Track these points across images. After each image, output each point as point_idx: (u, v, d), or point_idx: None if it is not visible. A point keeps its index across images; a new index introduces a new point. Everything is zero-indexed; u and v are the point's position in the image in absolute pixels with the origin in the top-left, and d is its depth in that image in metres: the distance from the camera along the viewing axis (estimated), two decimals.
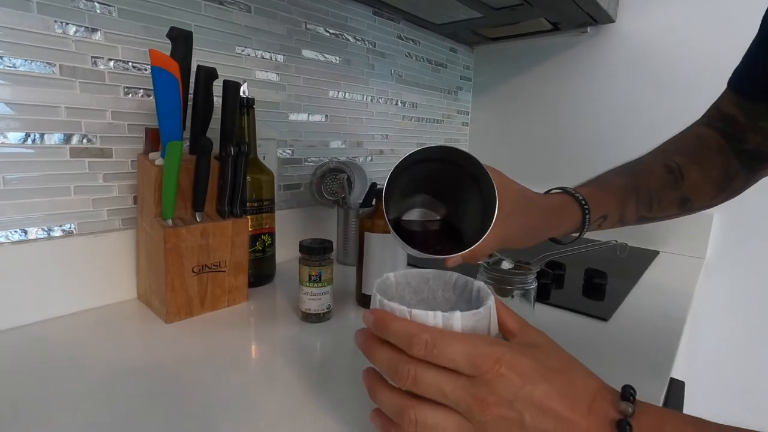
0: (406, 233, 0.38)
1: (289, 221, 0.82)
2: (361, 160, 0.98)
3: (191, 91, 0.56)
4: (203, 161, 0.53)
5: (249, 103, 0.65)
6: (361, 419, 0.37)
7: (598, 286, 0.74)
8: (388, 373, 0.28)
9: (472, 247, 0.34)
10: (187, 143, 0.58)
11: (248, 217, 0.66)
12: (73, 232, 0.57)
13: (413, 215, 0.41)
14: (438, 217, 0.42)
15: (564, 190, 0.47)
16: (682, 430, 0.24)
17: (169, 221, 0.53)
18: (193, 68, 0.56)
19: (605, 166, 0.53)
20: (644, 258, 0.93)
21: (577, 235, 0.48)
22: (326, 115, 0.88)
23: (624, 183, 0.48)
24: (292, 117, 0.82)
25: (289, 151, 0.83)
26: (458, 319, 0.27)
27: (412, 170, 0.36)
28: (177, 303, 0.55)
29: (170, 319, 0.54)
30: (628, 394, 0.25)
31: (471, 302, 0.34)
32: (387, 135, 1.04)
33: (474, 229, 0.37)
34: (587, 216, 0.45)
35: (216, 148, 0.57)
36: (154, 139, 0.55)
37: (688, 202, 0.50)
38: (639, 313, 0.64)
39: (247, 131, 0.66)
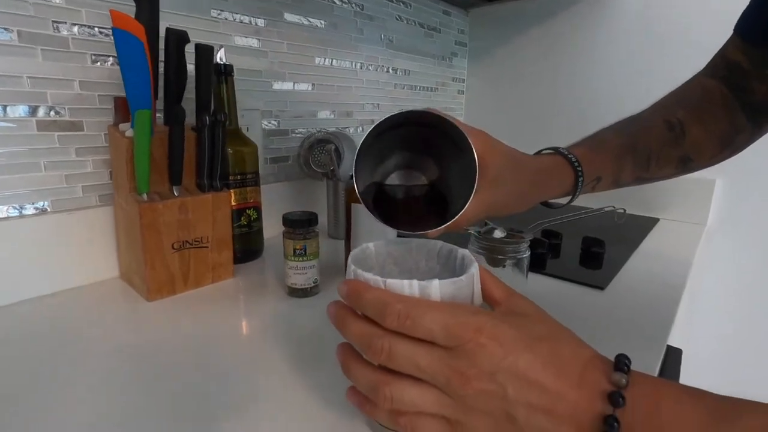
0: (384, 202, 0.35)
1: (277, 195, 0.79)
2: (351, 131, 0.95)
3: (162, 58, 0.52)
4: (176, 131, 0.50)
5: (227, 71, 0.61)
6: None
7: (596, 255, 0.72)
8: (361, 347, 0.26)
9: (452, 221, 0.31)
10: (162, 114, 0.55)
11: (231, 190, 0.63)
12: (47, 209, 0.55)
13: (395, 179, 0.38)
14: (424, 182, 0.39)
15: (555, 151, 0.44)
16: (679, 402, 0.22)
17: (144, 196, 0.50)
18: (163, 33, 0.52)
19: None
20: (643, 225, 0.91)
21: (569, 198, 0.46)
22: (313, 84, 0.84)
23: (621, 142, 0.45)
24: (277, 86, 0.78)
25: (275, 123, 0.79)
26: (436, 288, 0.25)
27: (388, 137, 0.33)
28: (158, 280, 0.53)
29: (152, 297, 0.53)
30: (622, 364, 0.23)
31: (455, 271, 0.32)
32: (378, 104, 1.00)
33: (459, 197, 0.34)
34: (580, 178, 0.42)
35: (193, 119, 0.54)
36: (123, 110, 0.52)
37: (689, 161, 0.47)
38: (636, 281, 0.62)
39: (226, 101, 0.63)
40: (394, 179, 0.37)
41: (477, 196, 0.31)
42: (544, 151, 0.45)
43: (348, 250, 0.60)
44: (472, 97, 1.28)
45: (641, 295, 0.57)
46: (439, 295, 0.25)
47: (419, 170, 0.39)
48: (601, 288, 0.59)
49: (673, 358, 0.52)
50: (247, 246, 0.67)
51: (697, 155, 0.46)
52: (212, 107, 0.57)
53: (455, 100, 1.25)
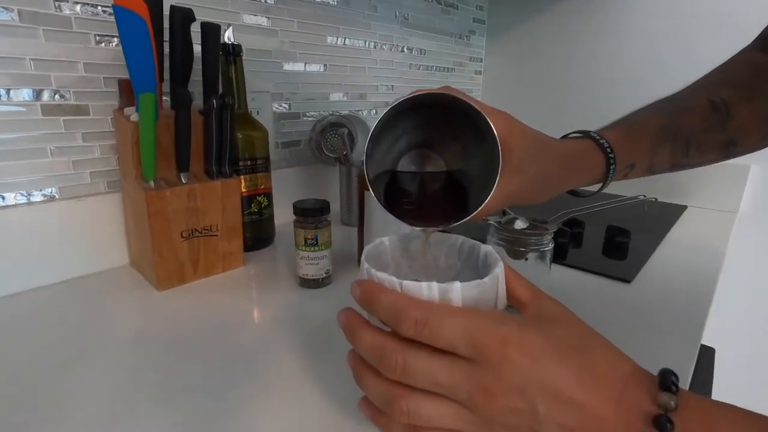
0: (397, 192, 0.32)
1: (289, 181, 0.77)
2: (364, 113, 0.91)
3: (168, 38, 0.50)
4: (183, 115, 0.48)
5: (235, 51, 0.59)
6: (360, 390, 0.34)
7: (620, 245, 0.69)
8: (374, 362, 0.24)
9: (473, 215, 0.29)
10: (169, 97, 0.52)
11: (241, 177, 0.62)
12: (54, 196, 0.54)
13: (410, 166, 0.35)
14: (442, 168, 0.36)
15: (585, 134, 0.40)
16: (735, 425, 0.19)
17: (151, 183, 0.49)
18: (168, 11, 0.49)
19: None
20: (671, 213, 0.86)
21: (599, 186, 0.42)
22: (325, 65, 0.81)
23: (658, 124, 0.41)
24: (287, 67, 0.75)
25: (286, 105, 0.77)
26: (457, 291, 0.23)
27: (403, 120, 0.31)
28: (168, 270, 0.52)
29: (162, 287, 0.52)
30: (668, 381, 0.21)
31: (478, 269, 0.30)
32: (392, 86, 0.96)
33: (480, 185, 0.31)
34: (612, 166, 0.38)
35: (201, 102, 0.52)
36: (128, 93, 0.50)
37: (733, 146, 0.43)
38: (665, 274, 0.59)
39: (235, 83, 0.60)
40: (408, 166, 0.35)
41: (499, 184, 0.28)
42: (571, 135, 0.42)
43: (361, 238, 0.58)
44: (489, 77, 1.23)
45: (670, 289, 0.54)
46: (461, 300, 0.23)
47: (436, 156, 0.36)
48: (627, 281, 0.56)
49: (705, 358, 0.49)
50: (257, 234, 0.66)
51: (742, 139, 0.42)
52: (220, 90, 0.54)
53: (472, 80, 1.20)
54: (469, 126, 0.30)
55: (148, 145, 0.47)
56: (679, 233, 0.75)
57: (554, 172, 0.36)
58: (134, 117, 0.47)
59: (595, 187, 0.44)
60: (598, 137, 0.38)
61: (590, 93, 1.05)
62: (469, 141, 0.32)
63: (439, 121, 0.32)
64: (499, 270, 0.25)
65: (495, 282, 0.25)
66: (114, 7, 0.42)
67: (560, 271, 0.59)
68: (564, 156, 0.37)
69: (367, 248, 0.29)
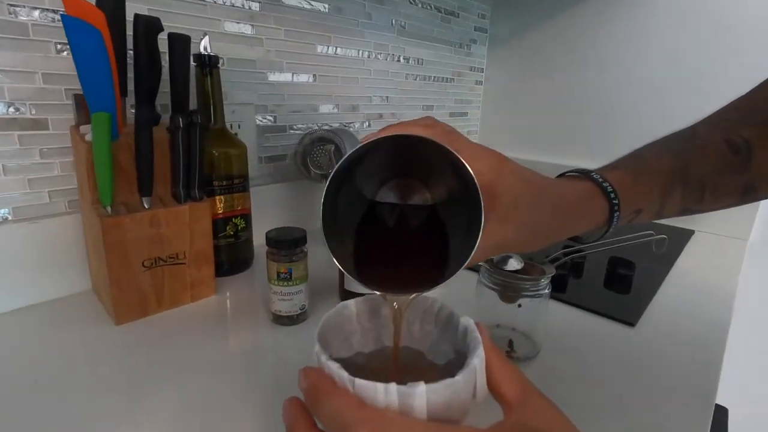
0: (371, 234, 0.28)
1: (272, 198, 0.73)
2: (357, 126, 0.87)
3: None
4: (143, 137, 0.43)
5: (211, 62, 0.54)
6: None
7: (623, 278, 0.64)
8: None
9: (450, 277, 0.24)
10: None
11: (216, 197, 0.57)
12: (8, 218, 0.49)
13: (390, 196, 0.30)
14: (425, 203, 0.31)
15: (585, 175, 0.35)
16: None
17: (108, 209, 0.44)
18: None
19: (643, 136, 0.40)
20: (678, 239, 0.81)
21: (600, 233, 0.37)
22: (314, 75, 0.77)
23: (668, 166, 0.36)
24: (273, 77, 0.71)
25: (271, 118, 0.72)
26: (421, 397, 0.18)
27: (367, 168, 0.26)
28: (126, 302, 0.47)
29: (120, 321, 0.47)
30: None
31: (456, 341, 0.25)
32: (387, 97, 0.92)
33: (464, 230, 0.27)
34: (616, 213, 0.34)
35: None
36: (86, 108, 0.45)
37: (753, 191, 0.38)
38: (672, 314, 0.54)
39: (212, 96, 0.56)
40: (389, 195, 0.30)
41: (485, 233, 0.24)
42: (569, 174, 0.37)
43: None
44: (491, 88, 1.18)
45: (678, 336, 0.49)
46: (425, 408, 0.18)
47: (421, 187, 0.31)
48: (632, 324, 0.51)
49: (718, 419, 0.44)
50: (233, 257, 0.61)
51: (763, 184, 0.38)
52: (192, 106, 0.50)
53: (473, 91, 1.16)
54: (450, 166, 0.25)
55: (104, 168, 0.42)
56: (686, 263, 0.70)
57: (549, 219, 0.32)
58: (89, 137, 0.43)
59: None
60: (600, 179, 0.34)
61: (597, 107, 1.00)
62: (452, 181, 0.28)
63: (421, 152, 0.27)
64: (478, 359, 0.21)
65: (472, 376, 0.20)
66: (63, 17, 0.37)
67: (557, 308, 0.54)
68: (561, 201, 0.32)
69: (326, 317, 0.25)
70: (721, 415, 0.46)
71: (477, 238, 0.23)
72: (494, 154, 0.28)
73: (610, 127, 0.98)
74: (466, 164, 0.23)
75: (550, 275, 0.42)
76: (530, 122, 1.11)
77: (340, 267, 0.24)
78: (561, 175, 0.36)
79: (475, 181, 0.23)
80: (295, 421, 0.20)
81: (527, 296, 0.42)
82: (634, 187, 0.34)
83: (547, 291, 0.42)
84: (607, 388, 0.40)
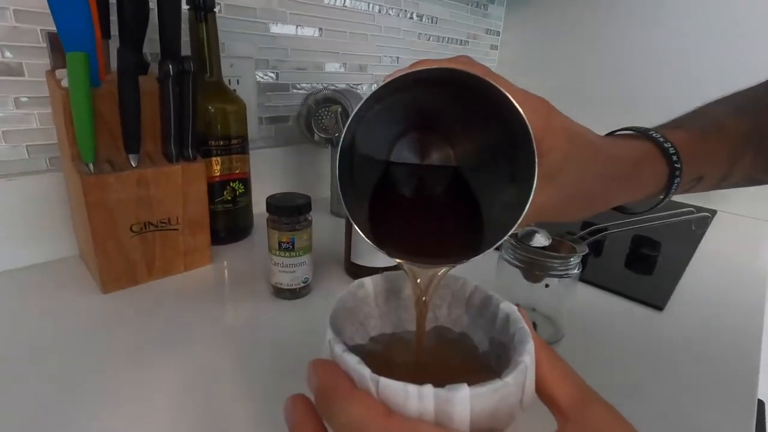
0: (388, 199, 0.23)
1: (273, 162, 0.68)
2: (364, 88, 0.81)
3: None
4: (126, 83, 0.38)
5: (207, 5, 0.48)
6: None
7: (647, 258, 0.60)
8: None
9: (492, 246, 0.20)
10: None
11: (213, 159, 0.52)
12: None
13: (408, 155, 0.26)
14: (448, 163, 0.27)
15: (642, 133, 0.30)
16: None
17: (91, 166, 0.40)
18: None
19: (669, 105, 0.35)
20: (699, 219, 0.77)
21: (653, 203, 0.33)
22: (320, 29, 0.70)
23: (741, 126, 0.31)
24: (275, 29, 0.64)
25: (272, 75, 0.66)
26: (463, 403, 0.14)
27: (401, 97, 0.21)
28: (114, 270, 0.43)
29: (107, 289, 0.43)
30: None
31: (493, 332, 0.21)
32: (398, 57, 0.85)
33: (497, 196, 0.22)
34: (676, 179, 0.29)
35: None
36: (63, 50, 0.40)
37: None
38: (702, 298, 0.50)
39: (206, 45, 0.50)
40: (407, 154, 0.25)
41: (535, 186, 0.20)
42: (621, 132, 0.32)
43: (348, 240, 0.49)
44: (507, 53, 1.10)
45: (712, 321, 0.46)
46: (468, 418, 0.15)
47: (442, 142, 0.26)
48: (659, 308, 0.47)
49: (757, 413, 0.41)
50: (232, 224, 0.57)
51: None
52: (184, 53, 0.44)
53: (488, 56, 1.09)
54: (490, 113, 0.21)
55: (83, 119, 0.37)
56: (711, 245, 0.66)
57: (598, 184, 0.27)
58: (65, 82, 0.38)
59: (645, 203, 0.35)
60: (662, 139, 0.29)
61: (623, 78, 0.93)
62: (490, 132, 0.23)
63: (451, 99, 0.23)
64: (528, 357, 0.17)
65: (521, 378, 0.16)
66: None
67: (579, 289, 0.51)
68: (615, 163, 0.27)
69: (339, 298, 0.20)
70: (759, 408, 0.43)
71: (528, 198, 0.19)
72: (544, 102, 0.23)
73: (638, 101, 0.92)
74: (518, 105, 0.18)
75: (582, 254, 0.37)
76: (547, 92, 1.04)
77: (364, 236, 0.20)
78: (611, 133, 0.31)
79: (528, 126, 0.18)
80: (300, 424, 0.16)
81: (554, 275, 0.38)
82: (700, 150, 0.29)
83: (576, 271, 0.38)
84: (636, 378, 0.37)
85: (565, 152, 0.24)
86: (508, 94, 0.18)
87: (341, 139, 0.19)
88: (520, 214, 0.19)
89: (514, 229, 0.20)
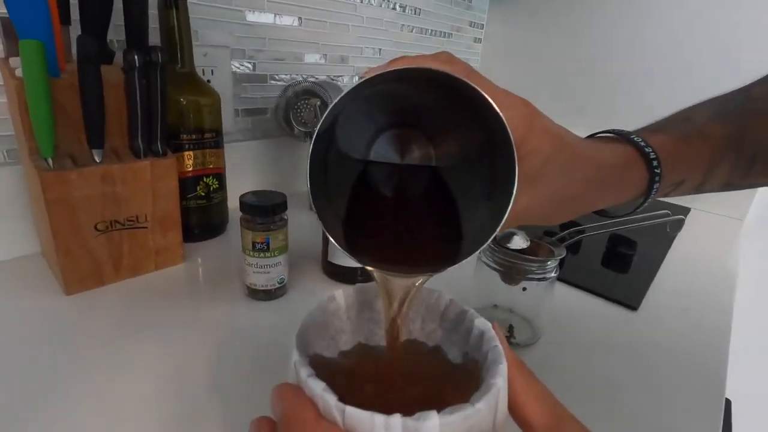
0: (365, 201, 0.22)
1: (250, 156, 0.66)
2: (345, 80, 0.79)
3: None
4: (87, 73, 0.36)
5: None
6: None
7: (623, 257, 0.61)
8: None
9: (470, 255, 0.19)
10: None
11: (185, 153, 0.50)
12: None
13: (388, 152, 0.25)
14: (428, 162, 0.26)
15: (623, 136, 0.30)
16: None
17: (50, 161, 0.37)
18: None
19: (653, 104, 0.35)
20: (675, 222, 0.78)
21: (632, 207, 0.33)
22: (299, 18, 0.68)
23: (722, 131, 0.31)
24: (252, 17, 0.62)
25: (249, 65, 0.64)
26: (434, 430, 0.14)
27: (379, 94, 0.21)
28: (78, 270, 0.41)
29: (70, 290, 0.41)
30: None
31: (467, 347, 0.20)
32: (380, 49, 0.83)
33: (477, 199, 0.22)
34: (656, 185, 0.29)
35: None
36: (17, 37, 0.37)
37: None
38: (674, 298, 0.51)
39: (177, 34, 0.48)
40: (386, 151, 0.24)
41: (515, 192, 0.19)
42: (601, 135, 0.31)
43: (326, 238, 0.48)
44: (490, 47, 1.10)
45: (683, 321, 0.47)
46: None
47: (423, 140, 0.25)
48: (634, 308, 0.48)
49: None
50: (206, 221, 0.55)
51: None
52: (151, 43, 0.42)
53: (470, 49, 1.08)
54: (471, 114, 0.20)
55: (40, 111, 0.35)
56: (685, 243, 0.68)
57: (581, 188, 0.27)
58: (20, 71, 0.35)
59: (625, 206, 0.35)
60: (642, 143, 0.28)
61: (606, 71, 0.93)
62: (471, 133, 0.22)
63: (432, 97, 0.22)
64: (501, 379, 0.16)
65: (493, 403, 0.16)
66: None
67: (556, 288, 0.51)
68: (596, 167, 0.27)
69: (309, 314, 0.20)
70: (725, 407, 0.44)
71: (508, 205, 0.18)
72: (526, 104, 0.23)
73: (621, 97, 0.92)
74: (497, 107, 0.17)
75: (560, 257, 0.37)
76: (530, 86, 1.04)
77: (334, 242, 0.19)
78: (592, 136, 0.31)
79: (508, 129, 0.18)
80: None
81: (533, 279, 0.37)
82: (680, 154, 0.29)
83: (554, 274, 0.38)
84: (610, 377, 0.37)
85: (547, 155, 0.23)
86: (487, 97, 0.17)
87: (312, 141, 0.18)
88: (498, 223, 0.19)
89: (492, 237, 0.19)
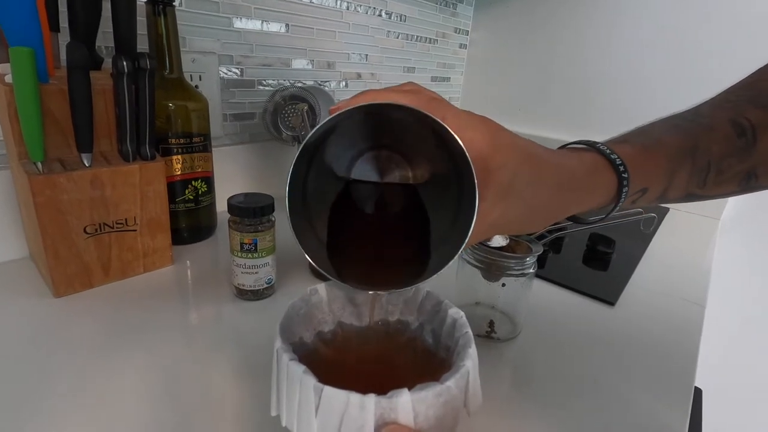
0: (346, 217, 0.24)
1: (238, 160, 0.67)
2: (332, 85, 0.80)
3: None
4: (76, 79, 0.37)
5: None
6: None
7: (602, 255, 0.63)
8: None
9: (436, 273, 0.21)
10: None
11: (174, 157, 0.51)
12: None
13: (368, 172, 0.26)
14: (406, 180, 0.27)
15: (591, 146, 0.32)
16: None
17: (39, 165, 0.38)
18: None
19: (632, 110, 0.37)
20: (647, 219, 0.81)
21: (603, 213, 0.35)
22: (287, 25, 0.69)
23: (678, 143, 0.33)
24: (240, 24, 0.63)
25: (237, 71, 0.65)
26: (406, 410, 0.15)
27: (346, 130, 0.22)
28: (66, 272, 0.42)
29: (59, 293, 0.42)
30: None
31: (440, 336, 0.22)
32: (366, 55, 0.85)
33: (450, 214, 0.23)
34: (624, 189, 0.31)
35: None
36: (6, 43, 0.38)
37: (753, 179, 0.36)
38: (650, 293, 0.53)
39: (166, 40, 0.49)
40: (366, 170, 0.26)
41: (478, 215, 0.20)
42: (571, 146, 0.33)
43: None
44: (475, 53, 1.12)
45: (657, 316, 0.49)
46: (412, 422, 0.15)
47: (401, 161, 0.27)
48: (611, 303, 0.50)
49: (694, 402, 0.44)
50: (194, 224, 0.56)
51: (765, 170, 0.35)
52: (140, 49, 0.43)
53: (456, 55, 1.10)
54: (438, 139, 0.22)
55: (30, 117, 0.36)
56: (662, 242, 0.70)
57: (552, 197, 0.28)
58: (9, 77, 0.36)
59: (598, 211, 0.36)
60: (608, 151, 0.30)
61: (589, 78, 0.96)
62: (440, 157, 0.24)
63: (402, 125, 0.23)
64: (470, 362, 0.18)
65: (463, 383, 0.17)
66: None
67: (536, 285, 0.53)
68: (565, 176, 0.29)
69: (291, 305, 0.21)
70: (696, 396, 0.46)
71: (471, 222, 0.19)
72: (487, 123, 0.24)
73: (598, 100, 0.95)
74: (454, 134, 0.19)
75: (537, 254, 0.39)
76: (515, 91, 1.07)
77: (311, 261, 0.20)
78: (563, 147, 0.32)
79: (467, 154, 0.19)
80: None
81: (512, 275, 0.39)
82: (643, 162, 0.31)
83: (532, 270, 0.40)
84: (587, 369, 0.39)
85: (514, 168, 0.25)
86: (445, 125, 0.19)
87: (289, 171, 0.20)
88: (463, 240, 0.20)
89: (458, 254, 0.21)
